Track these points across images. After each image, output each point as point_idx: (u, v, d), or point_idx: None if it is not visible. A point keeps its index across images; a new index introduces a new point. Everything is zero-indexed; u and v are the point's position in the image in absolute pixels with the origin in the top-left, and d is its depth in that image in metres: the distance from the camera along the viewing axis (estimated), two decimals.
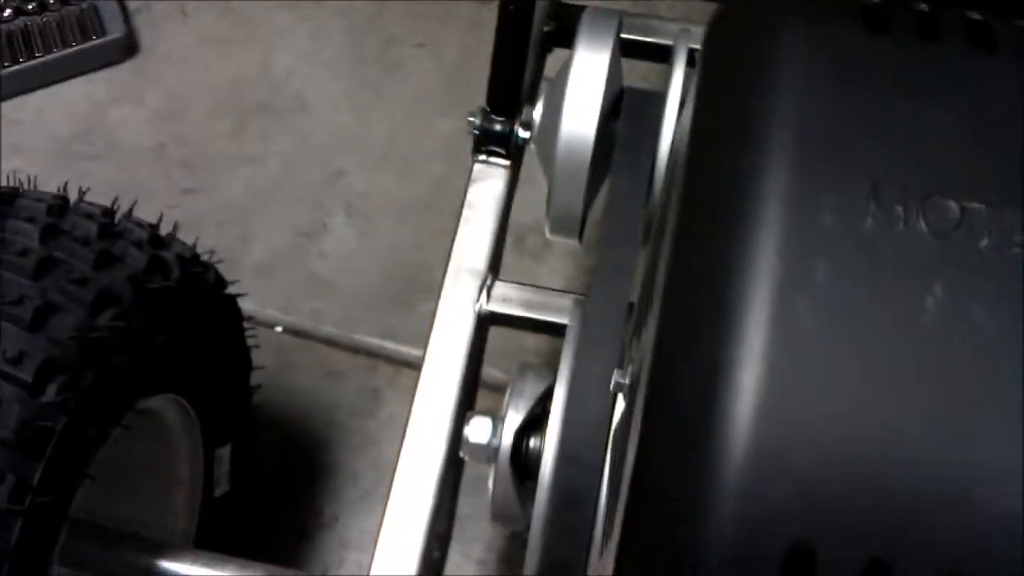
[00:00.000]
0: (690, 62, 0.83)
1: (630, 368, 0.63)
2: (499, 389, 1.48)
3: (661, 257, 0.49)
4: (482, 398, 1.18)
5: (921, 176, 0.44)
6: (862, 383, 0.41)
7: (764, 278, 0.41)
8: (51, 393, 0.83)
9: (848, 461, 0.40)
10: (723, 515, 0.40)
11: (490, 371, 1.29)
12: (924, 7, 0.47)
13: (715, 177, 0.44)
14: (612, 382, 0.64)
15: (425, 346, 1.02)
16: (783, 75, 0.44)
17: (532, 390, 0.79)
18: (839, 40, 0.46)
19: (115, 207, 1.02)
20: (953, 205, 0.43)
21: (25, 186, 1.00)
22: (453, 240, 1.06)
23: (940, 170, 0.44)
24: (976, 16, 0.47)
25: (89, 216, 0.96)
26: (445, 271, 1.04)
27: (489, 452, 0.79)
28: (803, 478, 0.40)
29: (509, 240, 1.21)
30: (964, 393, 0.41)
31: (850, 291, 0.42)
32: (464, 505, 1.35)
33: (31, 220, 0.91)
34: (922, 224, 0.43)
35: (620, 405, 0.68)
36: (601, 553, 0.62)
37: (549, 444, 0.71)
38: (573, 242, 0.90)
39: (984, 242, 0.43)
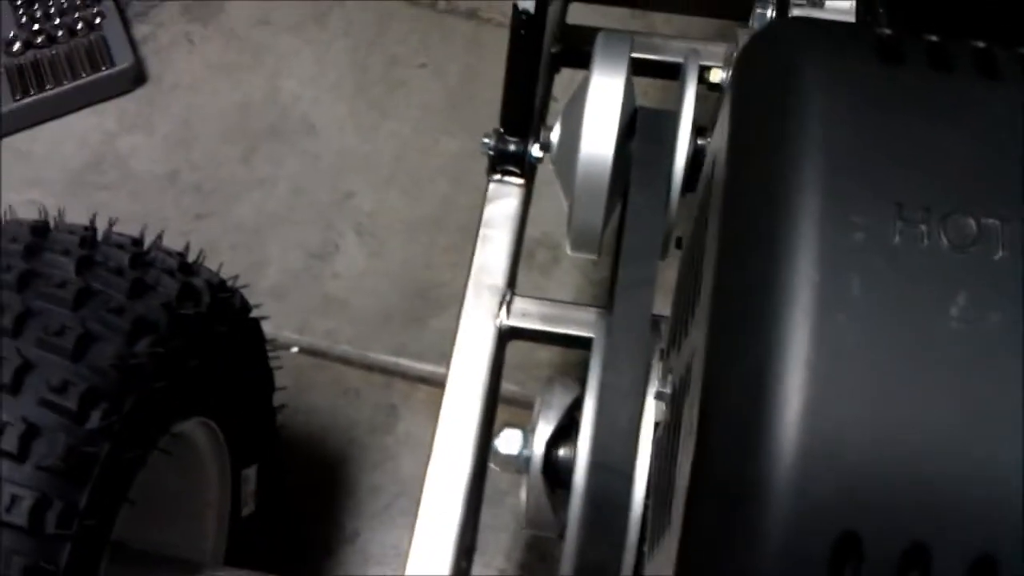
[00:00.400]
0: (700, 79, 0.87)
1: (669, 377, 0.66)
2: (514, 402, 1.53)
3: (704, 272, 0.52)
4: (498, 412, 1.21)
5: (941, 196, 0.48)
6: (897, 385, 0.45)
7: (805, 292, 0.45)
8: (95, 420, 0.85)
9: (887, 456, 0.44)
10: (776, 510, 0.44)
11: (505, 385, 1.32)
12: (934, 38, 0.51)
13: (754, 200, 0.48)
14: (654, 391, 0.67)
15: (448, 362, 1.05)
16: (811, 105, 0.48)
17: (560, 402, 0.81)
18: (859, 72, 0.50)
19: (143, 236, 1.05)
20: (971, 222, 0.47)
21: (47, 218, 1.03)
22: (472, 258, 1.09)
23: (958, 190, 0.48)
24: (980, 45, 0.51)
25: (120, 246, 0.98)
26: (465, 288, 1.07)
27: (520, 463, 0.81)
28: (848, 473, 0.44)
29: None
30: (988, 390, 0.45)
31: (882, 302, 0.46)
32: (484, 516, 1.38)
33: (66, 253, 0.94)
34: (944, 240, 0.47)
35: (651, 413, 0.71)
36: (650, 553, 0.65)
37: (581, 452, 0.74)
38: (589, 256, 0.93)
39: (999, 254, 0.47)
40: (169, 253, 1.02)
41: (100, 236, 1.03)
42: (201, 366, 1.00)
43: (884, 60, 0.50)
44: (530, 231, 1.29)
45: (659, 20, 1.80)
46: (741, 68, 0.54)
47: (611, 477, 0.71)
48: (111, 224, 1.05)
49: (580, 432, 0.75)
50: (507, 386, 1.48)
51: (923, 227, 0.47)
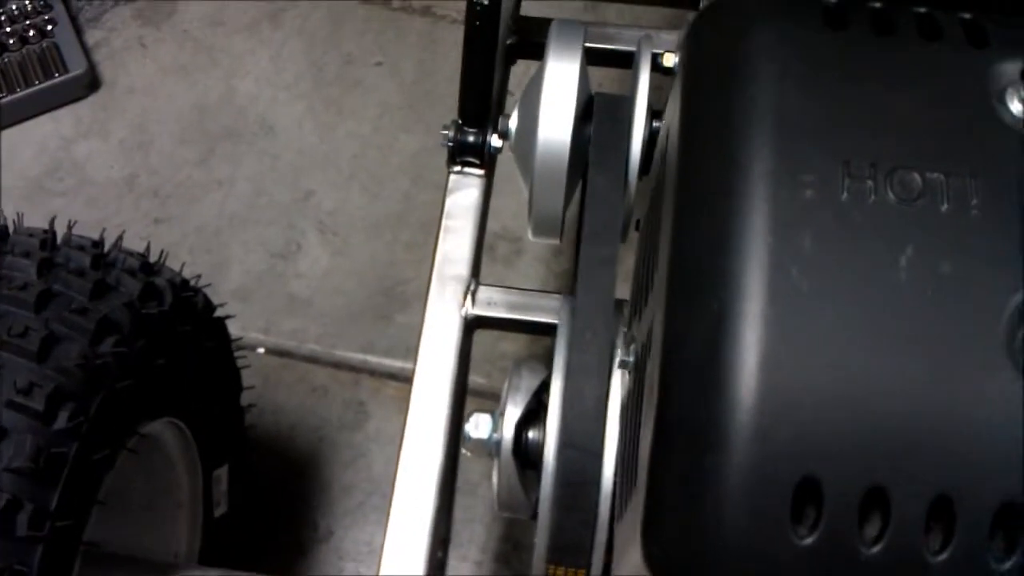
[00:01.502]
0: (653, 64, 0.88)
1: (632, 347, 0.67)
2: (480, 394, 1.54)
3: (661, 242, 0.53)
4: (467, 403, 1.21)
5: (886, 152, 0.50)
6: (851, 333, 0.47)
7: (759, 249, 0.47)
8: (62, 420, 0.85)
9: (844, 402, 0.46)
10: (738, 458, 0.45)
11: (472, 376, 1.32)
12: (877, 4, 0.53)
13: (708, 163, 0.49)
14: (617, 360, 0.68)
15: (415, 354, 1.05)
16: (760, 71, 0.50)
17: (528, 385, 0.82)
18: (806, 37, 0.51)
19: (103, 238, 1.04)
20: (916, 176, 0.49)
21: (5, 222, 1.02)
22: (435, 249, 1.09)
23: (902, 146, 0.50)
24: (921, 10, 0.53)
25: (81, 248, 0.98)
26: (429, 280, 1.08)
27: (491, 446, 0.82)
28: (806, 420, 0.46)
29: None
30: (939, 336, 0.47)
31: (833, 255, 0.48)
32: (457, 508, 1.39)
33: (26, 255, 0.94)
34: (890, 194, 0.49)
35: (617, 387, 0.72)
36: (619, 519, 0.66)
37: (550, 433, 0.75)
38: (551, 241, 0.94)
39: (944, 207, 0.49)
40: (130, 254, 1.02)
41: (60, 239, 1.02)
42: (167, 366, 1.00)
43: (829, 25, 0.51)
44: (491, 225, 1.30)
45: (612, 14, 1.82)
46: (691, 38, 0.55)
47: (580, 456, 0.72)
48: (70, 227, 1.04)
49: (548, 413, 0.76)
50: (473, 378, 1.49)
51: (870, 183, 0.48)
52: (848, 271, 0.47)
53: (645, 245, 0.65)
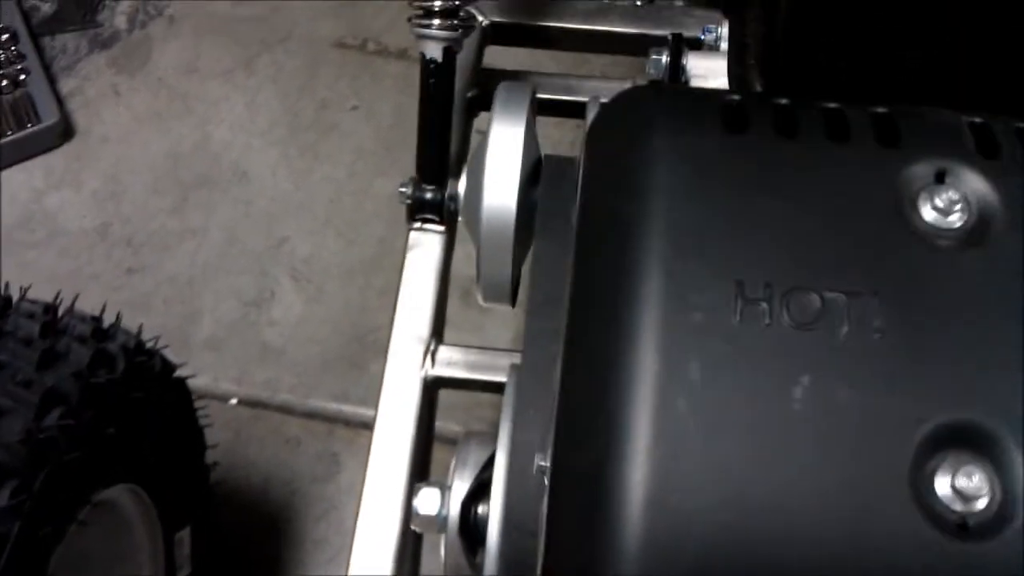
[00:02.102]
0: None
1: (549, 451, 0.65)
2: (454, 443, 1.51)
3: (559, 353, 0.51)
4: (441, 452, 1.19)
5: (783, 272, 0.46)
6: (741, 470, 0.44)
7: (645, 379, 0.44)
8: (3, 498, 0.83)
9: (732, 544, 0.43)
10: None
11: (447, 425, 1.30)
12: (784, 102, 0.50)
13: (594, 280, 0.47)
14: (535, 465, 0.65)
15: (374, 415, 1.03)
16: (651, 181, 0.47)
17: (476, 458, 0.80)
18: (703, 142, 0.48)
19: (58, 301, 1.03)
20: (814, 297, 0.46)
21: None
22: (395, 308, 1.07)
23: (801, 263, 0.46)
24: (832, 106, 0.50)
25: (31, 315, 0.96)
26: (389, 339, 1.06)
27: (439, 523, 0.80)
28: (691, 564, 0.42)
29: (456, 294, 1.23)
30: (834, 472, 0.43)
31: (722, 386, 0.45)
32: (424, 564, 1.37)
33: None
34: (786, 317, 0.46)
35: None
36: None
37: (494, 512, 0.73)
38: (503, 306, 0.92)
39: (844, 329, 0.45)
40: (83, 319, 1.00)
41: (13, 305, 1.00)
42: (119, 433, 0.98)
43: (727, 128, 0.49)
44: (468, 270, 1.28)
45: (584, 68, 1.80)
46: (591, 138, 0.53)
47: (523, 537, 0.69)
48: (24, 291, 1.03)
49: (492, 492, 0.74)
50: (449, 426, 1.47)
51: (764, 305, 0.45)
52: (738, 404, 0.44)
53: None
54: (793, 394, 0.44)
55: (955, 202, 0.49)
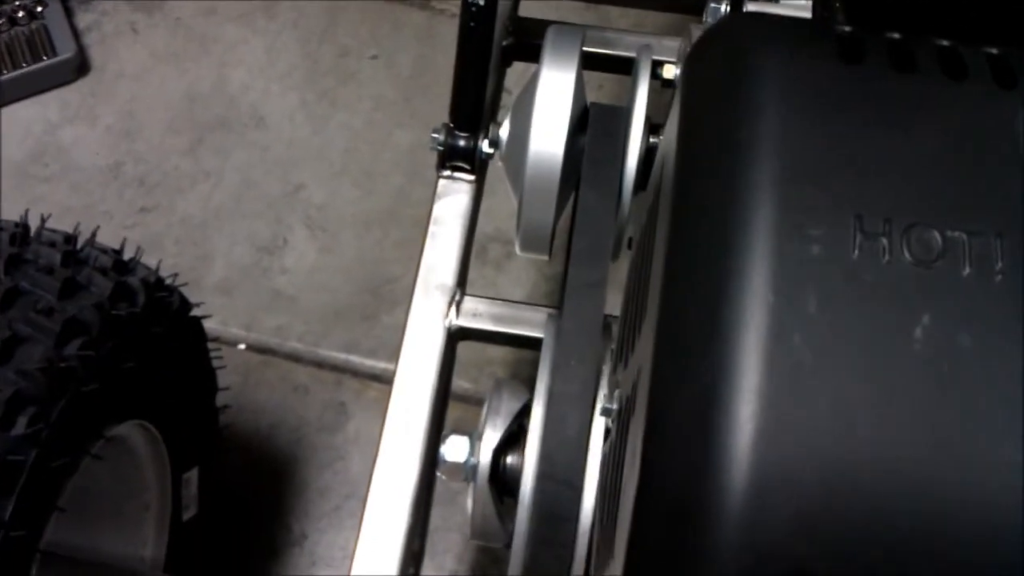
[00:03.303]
0: (653, 75, 0.84)
1: (616, 392, 0.63)
2: (465, 400, 1.50)
3: (652, 285, 0.49)
4: (450, 409, 1.18)
5: (904, 207, 0.45)
6: (856, 414, 0.42)
7: (757, 312, 0.42)
8: (21, 426, 0.82)
9: (844, 490, 0.41)
10: (724, 548, 0.40)
11: (457, 382, 1.29)
12: (896, 36, 0.48)
13: (704, 210, 0.45)
14: (599, 407, 0.64)
15: (396, 363, 1.02)
16: (764, 108, 0.45)
17: (508, 407, 0.79)
18: (817, 72, 0.46)
19: (77, 232, 1.01)
20: (936, 235, 0.44)
21: None
22: (420, 256, 1.05)
23: (922, 200, 0.45)
24: (945, 43, 0.48)
25: (52, 244, 0.94)
26: (413, 288, 1.04)
27: (467, 471, 0.79)
28: (801, 509, 0.41)
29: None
30: (955, 419, 0.42)
31: (840, 323, 0.43)
32: (434, 517, 1.35)
33: None
34: (906, 255, 0.44)
35: (600, 421, 0.68)
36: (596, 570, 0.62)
37: (529, 462, 0.71)
38: (540, 256, 0.90)
39: (966, 271, 0.44)
40: (104, 250, 0.98)
41: (33, 232, 0.98)
42: (136, 368, 0.96)
43: (843, 59, 0.47)
44: (483, 226, 1.26)
45: (615, 13, 1.78)
46: (692, 66, 0.51)
47: (559, 488, 0.68)
48: (44, 220, 1.01)
49: (528, 441, 0.72)
50: (460, 383, 1.46)
51: (884, 240, 0.43)
52: (857, 341, 0.42)
53: (636, 276, 0.60)
54: (914, 334, 0.42)
55: None
